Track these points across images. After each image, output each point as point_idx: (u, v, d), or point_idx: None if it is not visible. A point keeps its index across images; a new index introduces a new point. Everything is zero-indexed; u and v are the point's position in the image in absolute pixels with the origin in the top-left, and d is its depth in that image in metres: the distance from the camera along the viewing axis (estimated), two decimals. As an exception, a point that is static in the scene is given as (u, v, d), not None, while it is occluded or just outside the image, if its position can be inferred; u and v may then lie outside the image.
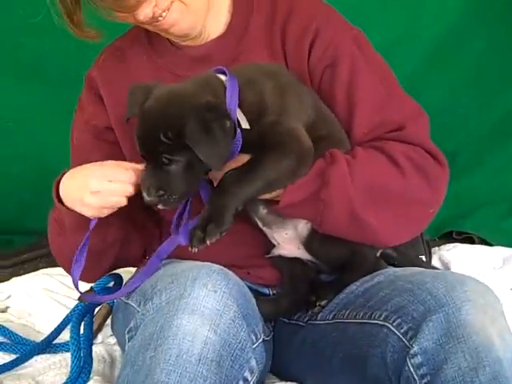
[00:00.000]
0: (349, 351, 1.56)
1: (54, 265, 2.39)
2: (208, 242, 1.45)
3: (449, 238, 2.64)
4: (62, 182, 1.64)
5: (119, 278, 1.81)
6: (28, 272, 2.51)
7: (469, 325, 1.38)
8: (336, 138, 1.64)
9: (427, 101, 1.80)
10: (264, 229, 1.67)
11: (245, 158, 1.51)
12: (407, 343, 1.42)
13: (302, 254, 1.68)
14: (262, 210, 1.63)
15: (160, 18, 1.63)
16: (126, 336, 1.47)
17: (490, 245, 2.50)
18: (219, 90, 1.50)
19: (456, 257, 2.32)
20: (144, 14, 1.60)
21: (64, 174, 1.65)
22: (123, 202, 1.57)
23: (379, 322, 1.50)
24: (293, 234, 1.65)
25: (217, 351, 1.36)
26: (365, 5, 2.44)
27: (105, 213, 1.59)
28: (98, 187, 1.55)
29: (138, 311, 1.49)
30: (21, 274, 2.50)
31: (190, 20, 1.66)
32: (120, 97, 1.69)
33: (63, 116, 2.53)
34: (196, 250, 1.46)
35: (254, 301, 1.51)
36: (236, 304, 1.41)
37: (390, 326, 1.47)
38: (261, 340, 1.51)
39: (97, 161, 1.63)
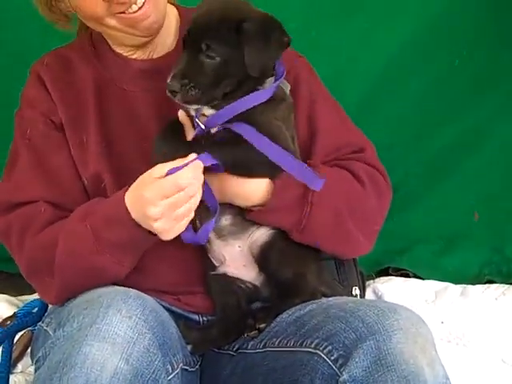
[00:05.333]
0: (280, 380, 1.52)
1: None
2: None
3: (385, 274, 2.64)
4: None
5: (42, 303, 1.74)
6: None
7: (399, 353, 1.36)
8: None
9: (366, 136, 1.83)
10: (216, 242, 1.63)
11: None
12: (337, 371, 1.40)
13: (246, 272, 1.66)
14: (225, 221, 1.61)
15: (134, 6, 1.58)
16: (34, 366, 1.41)
17: (423, 279, 2.51)
18: None
19: (389, 289, 2.32)
20: None
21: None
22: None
23: (310, 350, 1.47)
24: (245, 247, 1.63)
25: (128, 381, 1.29)
26: (305, 34, 2.46)
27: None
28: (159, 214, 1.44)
29: (51, 336, 1.43)
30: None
31: (160, 14, 1.64)
32: (67, 101, 1.68)
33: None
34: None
35: (173, 329, 1.47)
36: (151, 332, 1.36)
37: (320, 353, 1.44)
38: (178, 371, 1.45)
39: (53, 152, 1.65)
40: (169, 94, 1.49)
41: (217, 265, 1.67)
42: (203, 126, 1.53)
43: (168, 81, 1.47)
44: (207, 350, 1.70)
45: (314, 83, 1.76)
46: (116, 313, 1.34)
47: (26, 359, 1.95)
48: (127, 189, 1.51)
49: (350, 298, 1.64)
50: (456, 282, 2.48)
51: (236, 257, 1.64)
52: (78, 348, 1.29)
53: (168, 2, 1.76)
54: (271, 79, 1.57)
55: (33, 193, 1.67)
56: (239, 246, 1.63)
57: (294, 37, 1.77)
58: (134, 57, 1.73)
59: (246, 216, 1.60)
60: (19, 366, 1.95)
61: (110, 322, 1.33)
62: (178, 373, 1.44)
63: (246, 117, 1.51)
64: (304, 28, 2.47)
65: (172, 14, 1.77)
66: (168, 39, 1.74)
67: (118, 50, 1.74)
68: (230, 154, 1.51)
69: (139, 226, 1.48)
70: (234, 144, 1.50)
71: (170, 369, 1.42)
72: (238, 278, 1.67)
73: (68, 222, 1.59)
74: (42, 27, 1.79)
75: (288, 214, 1.59)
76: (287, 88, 1.62)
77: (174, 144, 1.54)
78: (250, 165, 1.54)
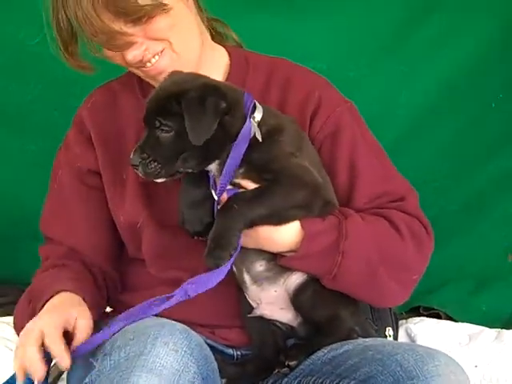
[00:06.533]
0: None
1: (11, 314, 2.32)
2: (223, 266, 1.47)
3: (416, 313, 2.62)
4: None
5: None
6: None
7: None
8: (336, 204, 1.67)
9: (402, 173, 1.84)
10: (252, 288, 1.64)
11: (251, 186, 1.54)
12: None
13: (282, 315, 1.66)
14: (259, 267, 1.62)
15: (148, 64, 1.64)
16: None
17: (456, 321, 2.49)
18: (238, 92, 1.58)
19: (422, 331, 2.31)
20: (133, 55, 1.62)
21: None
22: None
23: None
24: (281, 291, 1.63)
25: None
26: (343, 80, 2.49)
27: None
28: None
29: (95, 367, 1.44)
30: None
31: (178, 68, 1.66)
32: (109, 139, 1.71)
33: (35, 163, 2.56)
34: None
35: (215, 364, 1.47)
36: (196, 365, 1.37)
37: None
38: None
39: (74, 204, 1.72)
40: (133, 168, 1.55)
41: (254, 306, 1.67)
42: (216, 197, 1.56)
43: (130, 157, 1.54)
44: (241, 386, 1.71)
45: (356, 128, 1.75)
46: (163, 345, 1.36)
47: (60, 385, 1.96)
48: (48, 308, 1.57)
49: (386, 340, 1.64)
50: (488, 323, 2.46)
51: (272, 300, 1.65)
52: (126, 378, 1.31)
53: (215, 42, 1.81)
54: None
55: (53, 233, 1.80)
56: (275, 291, 1.64)
57: (332, 77, 1.83)
58: None
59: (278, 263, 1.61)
60: (53, 392, 1.97)
61: (157, 354, 1.34)
62: None
63: (264, 169, 1.54)
64: (342, 69, 2.51)
65: (219, 54, 1.80)
66: (215, 78, 1.74)
67: None
68: (258, 209, 1.52)
69: None
70: (259, 197, 1.52)
71: None
72: (275, 320, 1.68)
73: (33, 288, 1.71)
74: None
75: (319, 262, 1.58)
76: (257, 132, 1.56)
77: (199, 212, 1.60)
78: (279, 213, 1.55)
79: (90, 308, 1.60)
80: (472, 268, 2.74)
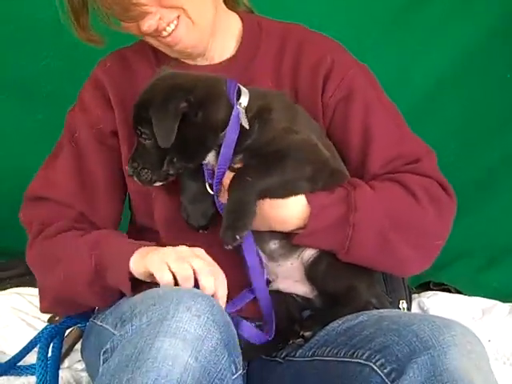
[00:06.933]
0: None
1: (24, 285, 2.33)
2: (239, 238, 1.48)
3: (425, 288, 2.62)
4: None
5: None
6: (-5, 291, 2.43)
7: (454, 369, 1.34)
8: (343, 171, 1.65)
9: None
10: (268, 264, 1.65)
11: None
12: None
13: (298, 287, 1.65)
14: (273, 245, 1.62)
15: (164, 33, 1.64)
16: (101, 358, 1.41)
17: (469, 295, 2.47)
18: (216, 83, 1.57)
19: (435, 304, 2.30)
20: (148, 24, 1.61)
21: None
22: None
23: (361, 361, 1.46)
24: (297, 263, 1.63)
25: (196, 378, 1.30)
26: (360, 43, 2.47)
27: None
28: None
29: (114, 334, 1.43)
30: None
31: (194, 37, 1.67)
32: (126, 100, 1.70)
33: (45, 134, 2.54)
34: (231, 247, 1.50)
35: (235, 331, 1.46)
36: (219, 331, 1.36)
37: (372, 365, 1.43)
38: (240, 372, 1.45)
39: (95, 165, 1.72)
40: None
41: (270, 280, 1.67)
42: (210, 191, 1.58)
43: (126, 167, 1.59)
44: (255, 357, 1.70)
45: (370, 91, 1.73)
46: (185, 310, 1.35)
47: (73, 355, 1.97)
48: (146, 246, 1.56)
49: (401, 311, 1.62)
50: (499, 298, 2.45)
51: (288, 274, 1.65)
52: (150, 343, 1.30)
53: (229, 8, 1.79)
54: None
55: (63, 195, 1.74)
56: (291, 263, 1.64)
57: (348, 45, 1.81)
58: (193, 63, 1.76)
59: (291, 241, 1.61)
60: (66, 362, 1.98)
61: (180, 319, 1.33)
62: (240, 374, 1.44)
63: (265, 151, 1.53)
64: (359, 38, 2.48)
65: (233, 20, 1.79)
66: (228, 44, 1.76)
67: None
68: (269, 179, 1.52)
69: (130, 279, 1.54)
70: (268, 169, 1.53)
71: (234, 369, 1.41)
72: (291, 293, 1.68)
73: (79, 242, 1.64)
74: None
75: (329, 237, 1.57)
76: (243, 119, 1.55)
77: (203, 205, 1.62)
78: (287, 185, 1.55)
79: None
80: (482, 244, 2.74)
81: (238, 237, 1.48)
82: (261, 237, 1.61)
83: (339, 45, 1.80)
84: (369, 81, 1.75)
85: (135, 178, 1.57)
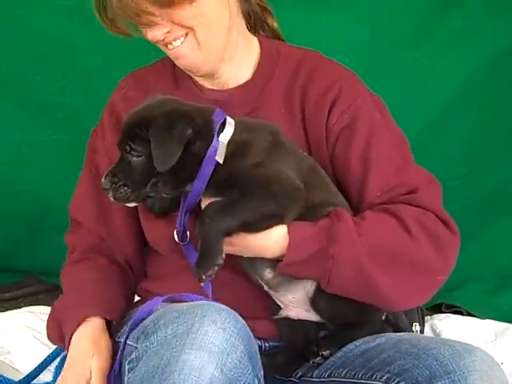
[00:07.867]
0: None
1: (38, 304, 2.34)
2: (204, 277, 1.47)
3: (438, 310, 2.62)
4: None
5: None
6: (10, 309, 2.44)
7: None
8: (333, 204, 1.62)
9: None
10: (270, 292, 1.65)
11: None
12: None
13: (309, 315, 1.65)
14: (268, 274, 1.61)
15: (169, 46, 1.65)
16: (127, 367, 1.44)
17: (481, 318, 2.48)
18: (207, 113, 1.55)
19: (448, 327, 2.30)
20: (153, 34, 1.64)
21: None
22: None
23: None
24: (301, 296, 1.62)
25: None
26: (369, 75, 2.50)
27: None
28: None
29: (137, 347, 1.45)
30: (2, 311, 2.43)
31: (198, 59, 1.67)
32: None
33: (61, 154, 2.57)
34: (203, 284, 1.51)
35: (256, 346, 1.47)
36: (243, 344, 1.38)
37: None
38: None
39: None
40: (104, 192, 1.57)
41: (281, 306, 1.67)
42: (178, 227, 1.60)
43: (102, 179, 1.54)
44: (270, 377, 1.69)
45: (378, 120, 1.70)
46: (211, 323, 1.36)
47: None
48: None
49: (420, 334, 1.62)
50: (510, 321, 2.45)
51: (294, 304, 1.64)
52: (176, 356, 1.32)
53: (252, 33, 1.81)
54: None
55: (84, 217, 1.81)
56: (293, 297, 1.63)
57: (354, 69, 1.81)
58: (207, 86, 1.77)
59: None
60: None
61: (205, 332, 1.35)
62: None
63: (236, 182, 1.52)
64: (364, 62, 2.47)
65: (251, 44, 1.79)
66: (245, 69, 1.76)
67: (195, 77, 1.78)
68: (229, 219, 1.50)
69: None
70: (228, 208, 1.51)
71: (257, 382, 1.42)
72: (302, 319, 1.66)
73: (70, 280, 1.77)
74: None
75: (309, 268, 1.55)
76: (221, 153, 1.53)
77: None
78: (251, 224, 1.52)
79: (115, 308, 1.69)
80: (494, 266, 2.74)
81: (204, 277, 1.48)
82: (256, 265, 1.61)
83: (352, 74, 1.78)
84: (378, 110, 1.72)
85: (110, 193, 1.53)
